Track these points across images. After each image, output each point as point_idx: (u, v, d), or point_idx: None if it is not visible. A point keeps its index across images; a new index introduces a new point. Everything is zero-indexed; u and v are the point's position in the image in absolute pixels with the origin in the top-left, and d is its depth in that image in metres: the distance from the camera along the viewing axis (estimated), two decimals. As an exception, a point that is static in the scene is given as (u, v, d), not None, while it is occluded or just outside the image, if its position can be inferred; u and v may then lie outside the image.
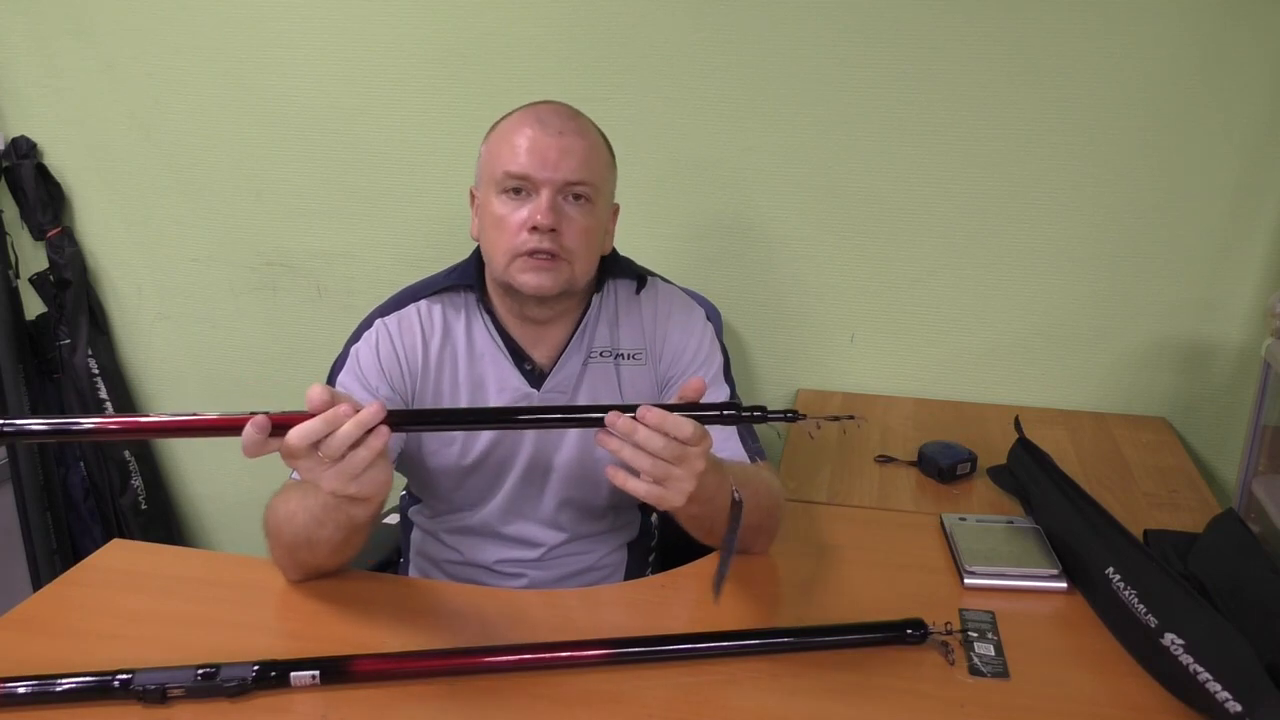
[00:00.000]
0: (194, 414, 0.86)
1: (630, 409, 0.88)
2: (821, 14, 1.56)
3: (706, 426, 0.91)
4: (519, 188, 1.09)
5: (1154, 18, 1.47)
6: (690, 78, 1.64)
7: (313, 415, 0.83)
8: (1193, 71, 1.49)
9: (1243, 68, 1.47)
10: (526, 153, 1.08)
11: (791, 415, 0.93)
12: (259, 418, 0.82)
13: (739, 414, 0.92)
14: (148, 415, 0.91)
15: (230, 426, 0.84)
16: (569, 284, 1.12)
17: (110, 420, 0.90)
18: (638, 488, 0.90)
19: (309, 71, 1.77)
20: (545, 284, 1.09)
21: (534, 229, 1.08)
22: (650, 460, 0.88)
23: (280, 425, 0.83)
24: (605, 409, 0.88)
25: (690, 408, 0.91)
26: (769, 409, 0.92)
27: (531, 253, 1.08)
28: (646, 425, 0.87)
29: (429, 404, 1.18)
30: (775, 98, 1.62)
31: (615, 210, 1.20)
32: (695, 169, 1.69)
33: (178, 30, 1.80)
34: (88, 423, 0.88)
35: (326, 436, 0.82)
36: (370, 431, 0.84)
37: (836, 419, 0.98)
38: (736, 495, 0.95)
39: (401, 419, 0.90)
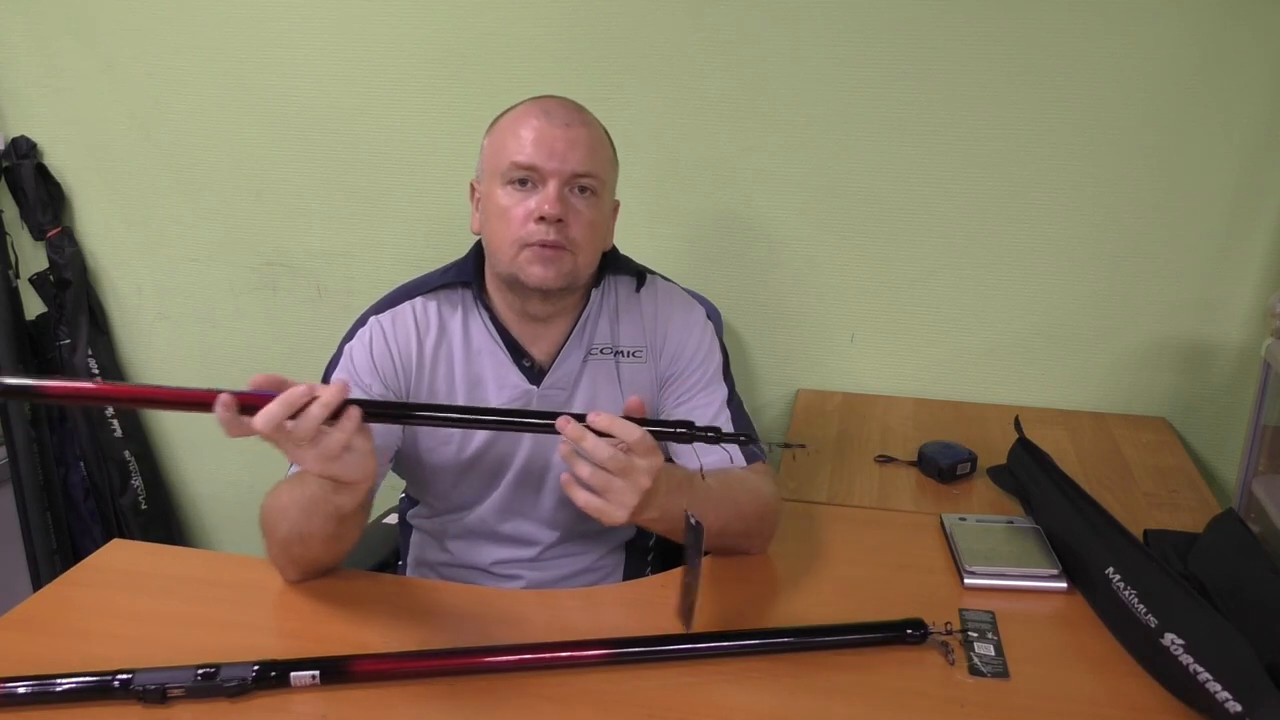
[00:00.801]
0: (159, 386, 0.90)
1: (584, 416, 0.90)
2: (821, 14, 1.56)
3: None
4: (525, 179, 1.09)
5: (1154, 18, 1.47)
6: (690, 78, 1.64)
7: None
8: (1193, 71, 1.49)
9: (1243, 68, 1.47)
10: (533, 144, 1.08)
11: (745, 439, 0.95)
12: (223, 396, 0.84)
13: (692, 432, 0.93)
14: (113, 383, 0.94)
15: (194, 401, 0.86)
16: (573, 277, 1.12)
17: (75, 385, 0.90)
18: (577, 496, 0.91)
19: (309, 71, 1.77)
20: (550, 275, 1.09)
21: (541, 219, 1.07)
22: (590, 469, 0.89)
23: (247, 406, 0.85)
24: (554, 415, 0.90)
25: (647, 423, 0.91)
26: (723, 430, 0.94)
27: (539, 243, 1.08)
28: (595, 430, 0.88)
29: (424, 401, 1.18)
30: (775, 98, 1.62)
31: (616, 207, 1.20)
32: (695, 169, 1.69)
33: (178, 30, 1.80)
34: (54, 384, 0.88)
35: (294, 417, 0.84)
36: (343, 415, 0.86)
37: (787, 446, 0.99)
38: (693, 519, 0.94)
39: (370, 409, 0.90)
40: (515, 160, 1.09)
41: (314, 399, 0.85)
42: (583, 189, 1.11)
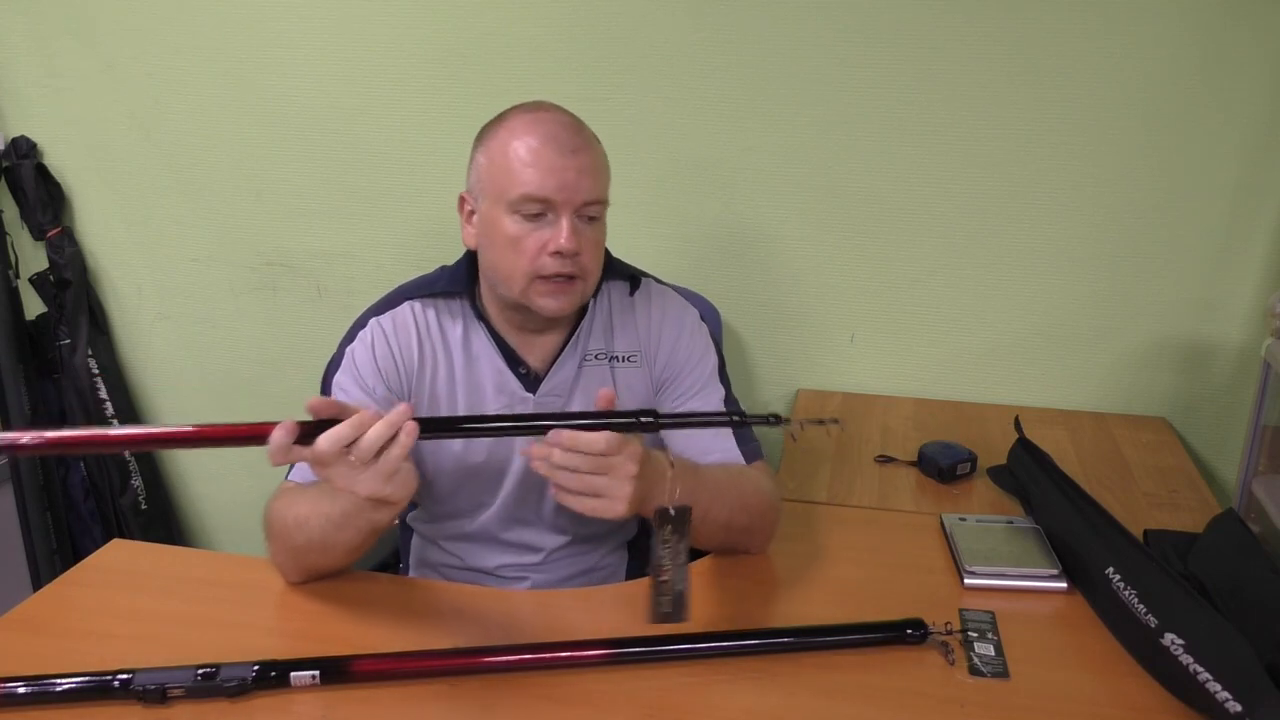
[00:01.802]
0: (213, 424, 0.88)
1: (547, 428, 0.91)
2: (821, 14, 1.56)
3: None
4: (536, 210, 1.07)
5: (1154, 18, 1.47)
6: (690, 78, 1.64)
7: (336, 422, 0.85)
8: (1193, 71, 1.49)
9: (1243, 68, 1.47)
10: (542, 175, 1.06)
11: (774, 419, 0.93)
12: (287, 423, 0.85)
13: (658, 419, 0.93)
14: (165, 426, 0.93)
15: (252, 436, 0.86)
16: (582, 300, 1.13)
17: (125, 432, 0.91)
18: (574, 503, 0.92)
19: (309, 71, 1.77)
20: (565, 306, 1.10)
21: (557, 253, 1.07)
22: (574, 477, 0.91)
23: (306, 435, 0.85)
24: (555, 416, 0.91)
25: (610, 415, 0.92)
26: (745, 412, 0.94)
27: (553, 275, 1.08)
28: (562, 448, 0.90)
29: (424, 404, 1.17)
30: (775, 98, 1.62)
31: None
32: (695, 169, 1.69)
33: (178, 30, 1.80)
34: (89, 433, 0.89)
35: (356, 440, 0.85)
36: (400, 431, 0.87)
37: (820, 422, 0.97)
38: (671, 510, 0.94)
39: (429, 425, 0.92)
40: (526, 192, 1.06)
41: (375, 420, 0.86)
42: (592, 216, 1.10)
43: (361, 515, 0.96)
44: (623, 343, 1.21)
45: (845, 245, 1.69)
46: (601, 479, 0.91)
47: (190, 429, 0.88)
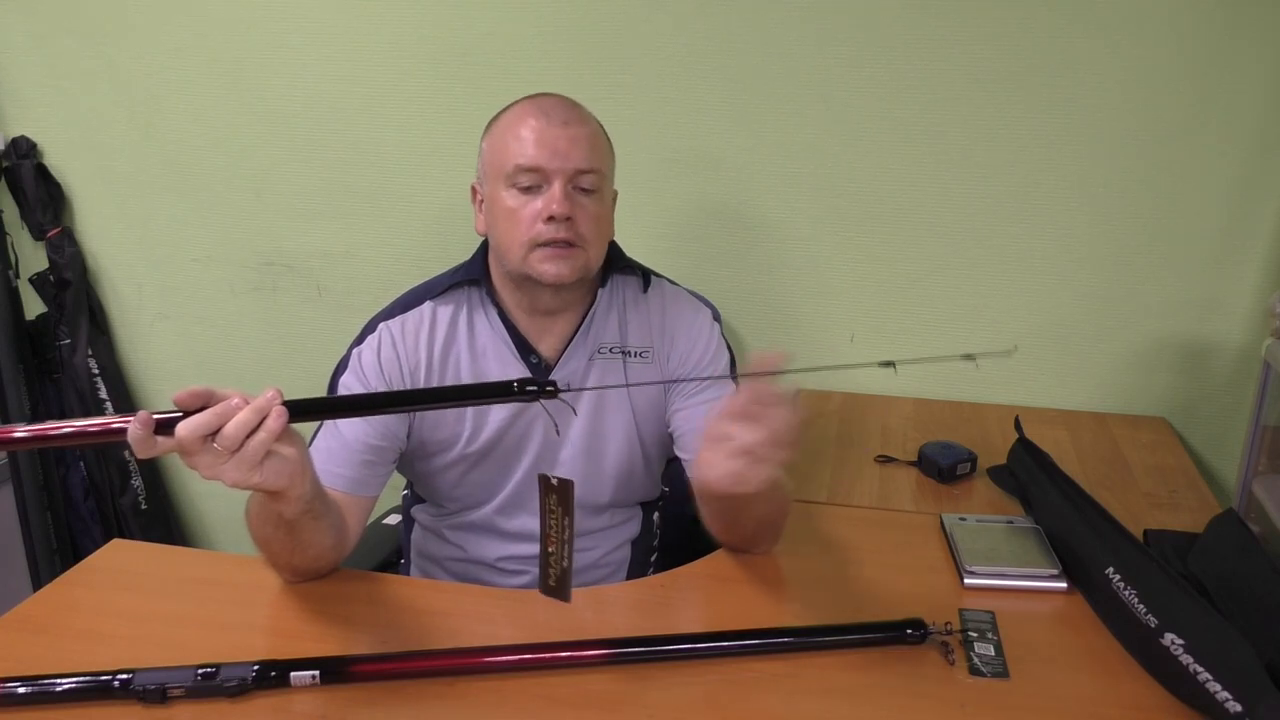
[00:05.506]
0: (69, 422, 0.85)
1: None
2: (822, 14, 1.56)
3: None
4: (530, 181, 1.10)
5: (1154, 18, 1.47)
6: (690, 77, 1.64)
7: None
8: (1193, 71, 1.49)
9: (1242, 68, 1.47)
10: (535, 145, 1.09)
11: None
12: (142, 414, 0.81)
13: (540, 389, 0.87)
14: (38, 425, 0.86)
15: (113, 430, 0.82)
16: (585, 270, 1.13)
17: None
18: (757, 470, 0.91)
19: (309, 71, 1.77)
20: (564, 272, 1.10)
21: (550, 219, 1.08)
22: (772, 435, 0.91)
23: (168, 424, 0.81)
24: (508, 384, 0.86)
25: (482, 387, 0.98)
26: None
27: (549, 242, 1.09)
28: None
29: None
30: (775, 98, 1.62)
31: (614, 196, 1.21)
32: (695, 169, 1.69)
33: (178, 30, 1.80)
34: None
35: (220, 429, 0.82)
36: (266, 417, 0.83)
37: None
38: (554, 479, 0.91)
39: (299, 407, 0.87)
40: (519, 163, 1.09)
41: (243, 406, 0.83)
42: (587, 186, 1.12)
43: (265, 507, 0.94)
44: (635, 338, 1.22)
45: (845, 245, 1.69)
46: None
47: (64, 426, 0.84)
